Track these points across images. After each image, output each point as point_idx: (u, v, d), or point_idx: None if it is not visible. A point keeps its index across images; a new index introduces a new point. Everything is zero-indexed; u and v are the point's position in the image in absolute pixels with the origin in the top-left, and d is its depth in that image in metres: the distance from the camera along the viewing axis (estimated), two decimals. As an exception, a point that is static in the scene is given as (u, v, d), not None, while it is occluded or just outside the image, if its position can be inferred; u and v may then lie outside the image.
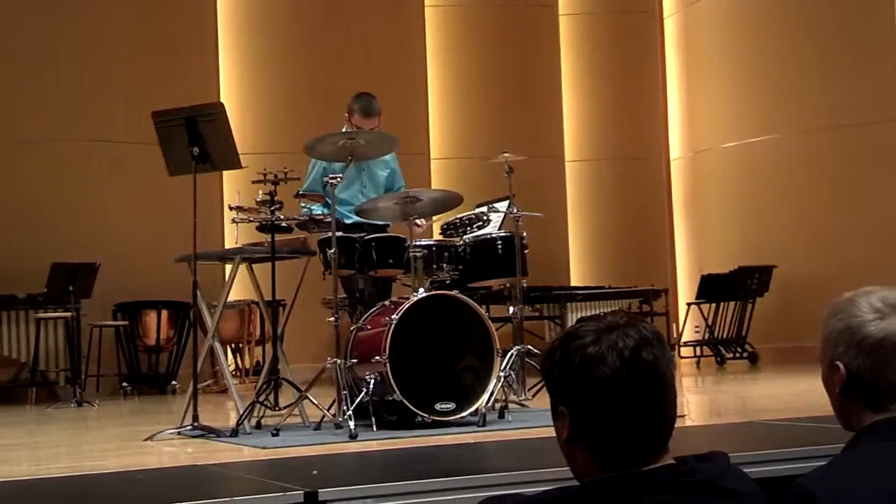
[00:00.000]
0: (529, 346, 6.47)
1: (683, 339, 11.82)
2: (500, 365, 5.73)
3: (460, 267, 6.03)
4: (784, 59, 11.59)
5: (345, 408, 5.39)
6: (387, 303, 5.86)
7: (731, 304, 11.29)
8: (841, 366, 1.89)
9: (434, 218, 6.54)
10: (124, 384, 9.58)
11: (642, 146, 12.91)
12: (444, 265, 5.94)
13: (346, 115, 6.42)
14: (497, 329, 5.87)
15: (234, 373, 9.47)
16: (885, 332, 1.86)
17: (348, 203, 6.34)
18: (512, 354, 6.19)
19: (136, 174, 9.89)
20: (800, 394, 7.29)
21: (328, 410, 5.64)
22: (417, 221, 6.15)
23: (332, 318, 5.64)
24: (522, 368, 6.45)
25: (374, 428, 5.36)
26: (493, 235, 6.26)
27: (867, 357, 1.86)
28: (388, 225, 6.45)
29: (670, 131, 13.24)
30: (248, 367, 10.03)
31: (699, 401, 7.63)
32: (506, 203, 6.57)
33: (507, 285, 6.67)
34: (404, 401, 5.40)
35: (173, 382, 9.89)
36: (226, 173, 9.42)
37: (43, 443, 6.28)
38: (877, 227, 10.96)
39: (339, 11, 11.28)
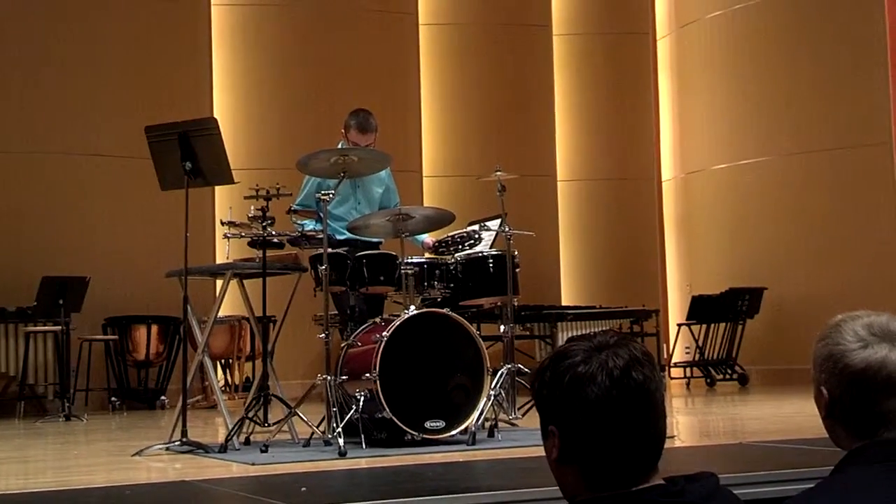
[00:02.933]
0: (520, 365, 6.47)
1: (674, 359, 11.83)
2: (491, 383, 5.73)
3: (452, 285, 6.03)
4: (776, 81, 11.65)
5: (334, 425, 5.37)
6: (377, 320, 5.86)
7: (722, 325, 11.31)
8: (825, 391, 1.89)
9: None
10: (113, 399, 9.55)
11: (634, 167, 12.95)
12: (436, 283, 5.95)
13: (343, 131, 6.43)
14: (488, 347, 5.87)
15: (223, 388, 9.44)
16: (865, 363, 1.84)
17: (342, 219, 6.34)
18: (502, 373, 6.18)
19: (127, 188, 9.89)
20: (789, 416, 7.29)
21: (317, 427, 5.62)
22: (427, 241, 6.24)
23: (323, 335, 5.63)
24: (513, 387, 6.44)
25: (364, 445, 5.35)
26: (485, 254, 6.25)
27: (848, 386, 1.85)
28: (380, 242, 6.45)
29: (662, 152, 13.28)
30: (237, 382, 10.02)
31: (689, 422, 7.63)
32: (498, 221, 6.57)
33: (499, 304, 6.66)
34: (394, 418, 5.39)
35: (162, 397, 9.86)
36: (218, 188, 9.42)
37: (31, 457, 6.25)
38: (868, 250, 10.99)
39: (334, 29, 11.31)
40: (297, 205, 6.32)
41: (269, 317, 6.52)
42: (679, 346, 11.78)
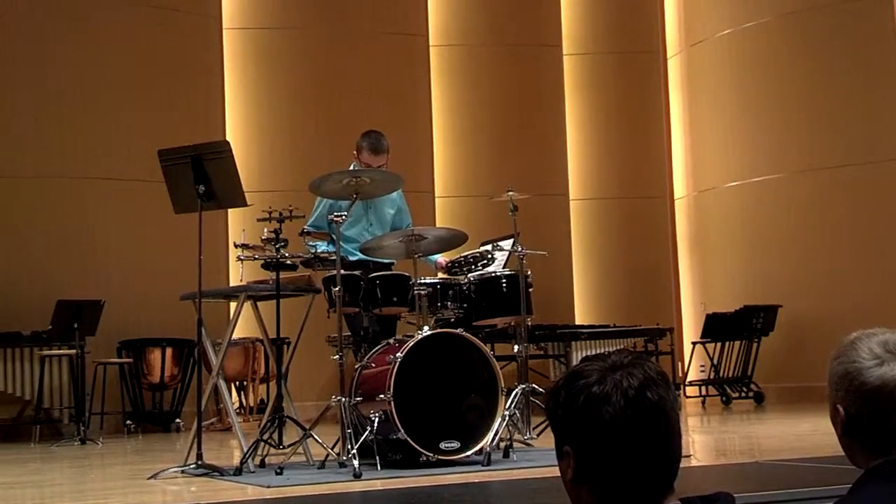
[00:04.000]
0: (534, 385, 6.45)
1: (689, 378, 11.79)
2: (505, 404, 5.71)
3: (465, 305, 6.03)
4: (788, 98, 11.64)
5: (349, 446, 5.37)
6: (391, 341, 5.85)
7: (737, 343, 11.27)
8: (841, 409, 1.88)
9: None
10: (128, 422, 9.57)
11: (646, 185, 12.95)
12: (449, 303, 5.94)
13: (355, 152, 6.44)
14: (502, 367, 5.86)
15: (238, 411, 9.45)
16: (882, 380, 1.84)
17: (354, 240, 6.35)
18: (517, 393, 6.17)
19: (141, 212, 9.93)
20: (805, 434, 7.26)
21: (332, 449, 5.62)
22: (440, 260, 6.24)
23: (337, 356, 5.63)
24: (527, 407, 6.43)
25: (379, 467, 5.34)
26: (498, 274, 6.25)
27: (865, 403, 1.85)
28: (392, 263, 6.46)
29: (674, 170, 13.28)
30: (252, 404, 10.02)
31: (705, 440, 7.59)
32: (510, 241, 6.57)
33: (512, 324, 6.65)
34: (409, 439, 5.38)
35: (177, 420, 9.87)
36: (231, 211, 9.45)
37: (47, 481, 6.26)
38: (882, 267, 10.96)
39: (345, 51, 11.37)
40: (309, 226, 6.34)
41: (283, 338, 6.52)
42: (694, 364, 11.74)
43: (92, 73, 10.15)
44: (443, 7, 12.27)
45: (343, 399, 5.53)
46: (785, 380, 11.30)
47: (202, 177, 5.69)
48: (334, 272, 5.71)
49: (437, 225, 10.60)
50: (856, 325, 2.02)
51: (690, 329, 12.60)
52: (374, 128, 6.66)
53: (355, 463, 5.17)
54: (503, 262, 6.60)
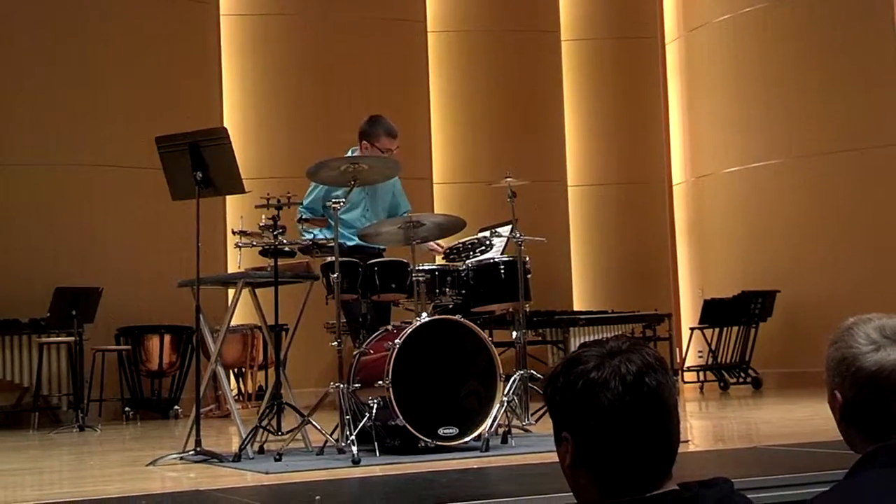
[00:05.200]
0: (532, 371, 6.46)
1: (687, 363, 11.80)
2: (504, 390, 5.72)
3: (463, 291, 6.03)
4: (786, 84, 11.63)
5: (347, 433, 5.38)
6: (390, 327, 5.86)
7: (735, 328, 11.28)
8: (838, 395, 1.89)
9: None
10: (127, 409, 9.57)
11: (645, 171, 12.94)
12: (447, 290, 5.94)
13: (366, 141, 6.36)
14: (500, 354, 5.86)
15: (236, 397, 9.45)
16: (878, 365, 1.84)
17: (351, 226, 6.34)
18: (515, 379, 6.17)
19: (139, 199, 9.92)
20: (803, 419, 7.28)
21: (331, 435, 5.63)
22: (436, 245, 6.25)
23: (335, 343, 5.64)
24: (525, 393, 6.43)
25: (377, 453, 5.35)
26: (496, 260, 6.25)
27: (861, 389, 1.85)
28: (384, 249, 6.45)
29: (672, 156, 13.27)
30: (250, 391, 10.03)
31: (703, 426, 7.61)
32: (508, 227, 6.57)
33: (510, 310, 6.66)
34: (407, 426, 5.39)
35: (176, 407, 9.87)
36: (229, 198, 9.44)
37: (46, 468, 6.27)
38: (880, 252, 10.96)
39: (342, 37, 11.34)
40: (303, 208, 6.32)
41: (281, 325, 6.52)
42: (692, 350, 11.75)
43: (89, 59, 10.12)
44: (440, -7, 12.24)
45: (341, 385, 5.53)
46: (783, 365, 11.31)
47: (200, 164, 5.69)
48: (332, 259, 5.71)
49: (436, 211, 10.59)
50: (853, 311, 2.02)
51: (688, 315, 12.61)
52: (371, 114, 6.64)
53: (354, 449, 5.17)
54: (501, 249, 6.60)
